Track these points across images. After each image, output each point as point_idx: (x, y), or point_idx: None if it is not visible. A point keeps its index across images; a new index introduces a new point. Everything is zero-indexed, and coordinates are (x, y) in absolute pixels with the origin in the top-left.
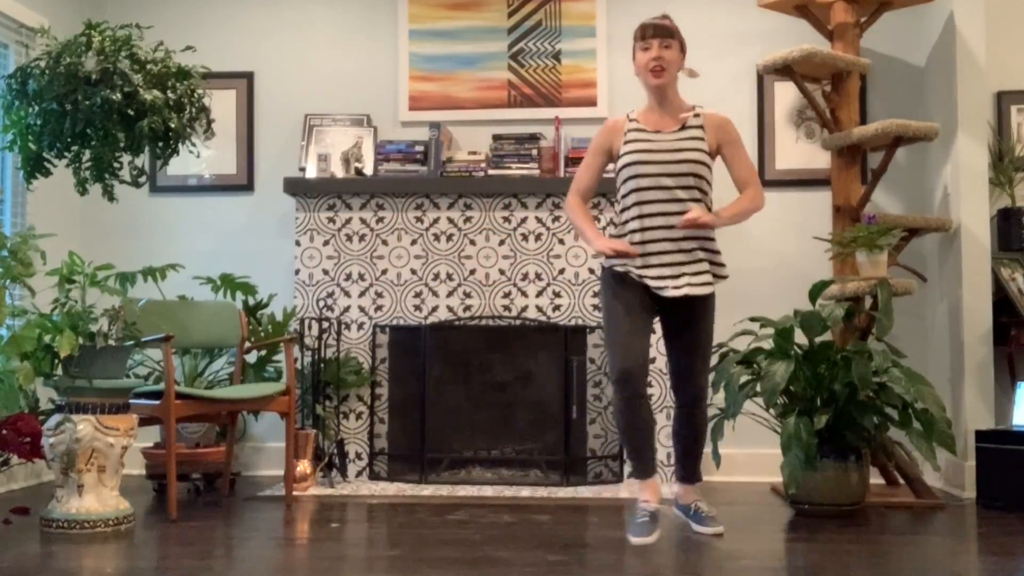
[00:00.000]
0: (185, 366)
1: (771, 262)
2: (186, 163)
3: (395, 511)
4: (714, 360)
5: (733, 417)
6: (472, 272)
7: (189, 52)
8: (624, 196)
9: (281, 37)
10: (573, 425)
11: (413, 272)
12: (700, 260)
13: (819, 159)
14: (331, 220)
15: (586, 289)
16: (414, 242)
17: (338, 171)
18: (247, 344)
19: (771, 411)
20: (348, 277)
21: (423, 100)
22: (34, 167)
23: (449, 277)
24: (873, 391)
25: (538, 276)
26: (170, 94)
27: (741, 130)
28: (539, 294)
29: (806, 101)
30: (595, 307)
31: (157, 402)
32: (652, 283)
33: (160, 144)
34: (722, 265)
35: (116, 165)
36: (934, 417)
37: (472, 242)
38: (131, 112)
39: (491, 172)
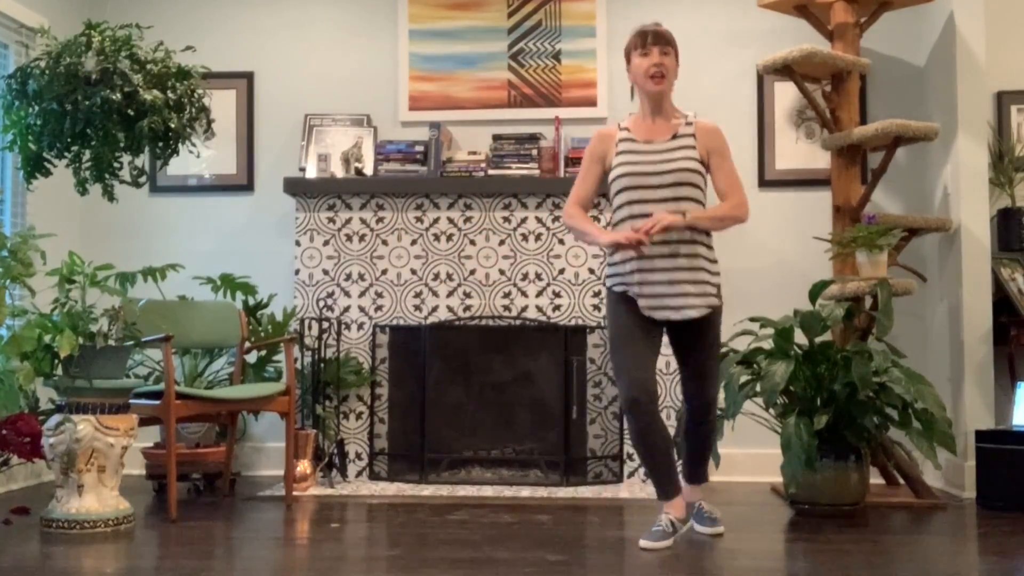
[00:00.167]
0: (185, 366)
1: (771, 262)
2: (186, 163)
3: (395, 511)
4: None
5: (733, 417)
6: (472, 272)
7: (189, 52)
8: (617, 208)
9: (281, 37)
10: (573, 425)
11: (413, 272)
12: (699, 281)
13: (819, 159)
14: (331, 220)
15: (586, 289)
16: (414, 242)
17: (338, 171)
18: (247, 344)
19: (771, 411)
20: (348, 277)
21: (423, 100)
22: (34, 167)
23: (449, 277)
24: (873, 391)
25: (538, 276)
26: (170, 94)
27: (741, 130)
28: (539, 294)
29: (806, 101)
30: (595, 307)
31: (157, 402)
32: (649, 312)
33: (160, 144)
34: (717, 287)
35: (116, 165)
36: (934, 417)
37: (472, 242)
38: (131, 112)
39: (491, 172)
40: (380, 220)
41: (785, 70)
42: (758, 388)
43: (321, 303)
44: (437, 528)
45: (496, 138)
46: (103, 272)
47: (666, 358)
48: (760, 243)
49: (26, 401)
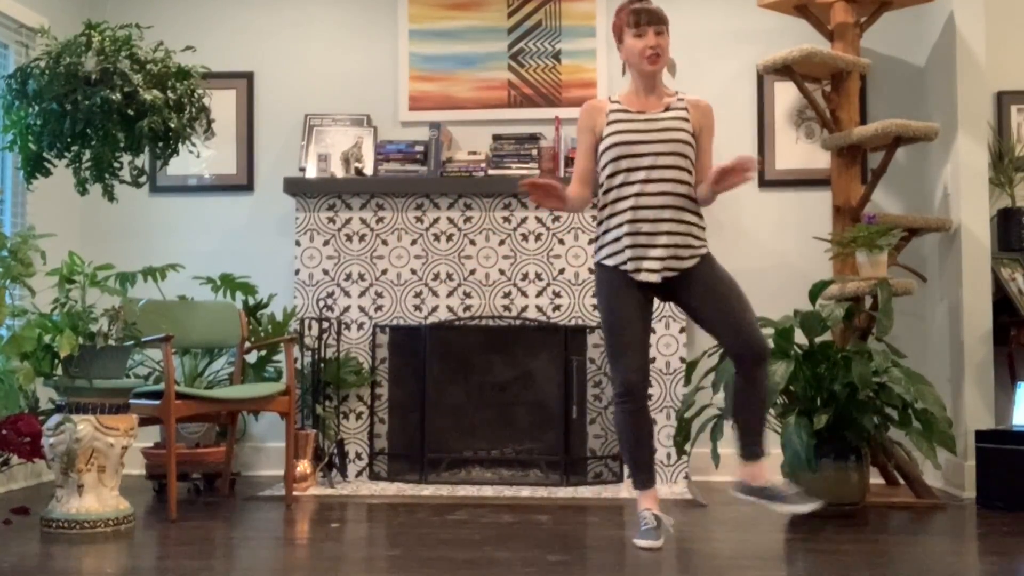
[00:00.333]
0: (185, 366)
1: (771, 262)
2: (186, 163)
3: (395, 511)
4: (714, 360)
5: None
6: (472, 272)
7: (189, 52)
8: (609, 176)
9: (281, 37)
10: (573, 425)
11: (413, 272)
12: (688, 234)
13: (819, 159)
14: (331, 220)
15: (586, 289)
16: (414, 242)
17: (338, 171)
18: (247, 344)
19: (771, 411)
20: (348, 277)
21: (423, 100)
22: (34, 167)
23: (449, 277)
24: (873, 391)
25: (538, 276)
26: (170, 94)
27: (741, 130)
28: (539, 294)
29: (806, 101)
30: (595, 307)
31: (157, 402)
32: (643, 275)
33: (160, 144)
34: (703, 230)
35: (116, 165)
36: (934, 417)
37: (472, 242)
38: (131, 112)
39: (491, 172)
40: (380, 220)
41: (785, 70)
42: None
43: (321, 303)
44: (437, 528)
45: (496, 138)
46: (103, 272)
47: (666, 358)
48: (760, 243)
49: (26, 401)
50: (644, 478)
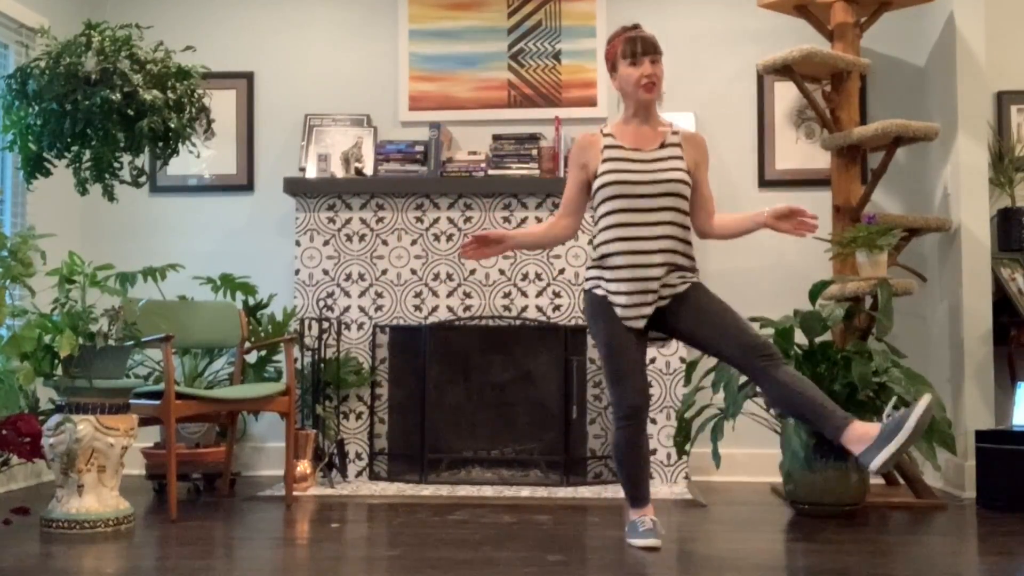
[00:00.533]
0: (185, 366)
1: (771, 262)
2: (186, 163)
3: (395, 511)
4: (714, 360)
5: (733, 417)
6: (472, 272)
7: (189, 52)
8: (603, 216)
9: (281, 37)
10: (573, 425)
11: (413, 272)
12: (679, 269)
13: (819, 159)
14: (331, 220)
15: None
16: (414, 242)
17: (338, 171)
18: (247, 344)
19: (771, 411)
20: (348, 277)
21: (423, 100)
22: (34, 167)
23: (449, 277)
24: (873, 391)
25: (538, 276)
26: (170, 94)
27: (741, 130)
28: (539, 294)
29: (806, 101)
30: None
31: (157, 402)
32: (630, 322)
33: (160, 144)
34: (694, 270)
35: (116, 165)
36: (934, 418)
37: None
38: (131, 112)
39: (491, 172)
40: (380, 220)
41: (785, 70)
42: (758, 388)
43: (321, 303)
44: (437, 528)
45: (496, 138)
46: (103, 272)
47: (666, 358)
48: (760, 243)
49: (26, 401)
50: (642, 496)
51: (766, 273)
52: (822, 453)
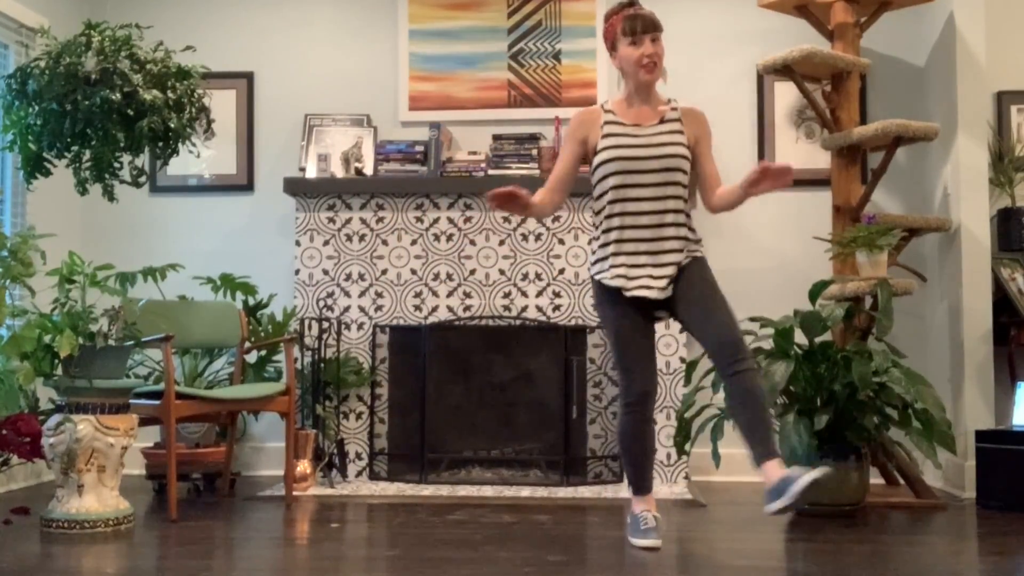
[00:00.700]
0: (185, 366)
1: (771, 262)
2: (186, 163)
3: (395, 511)
4: None
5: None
6: (472, 272)
7: (189, 52)
8: (602, 194)
9: (281, 37)
10: (573, 425)
11: (413, 272)
12: (678, 250)
13: (819, 159)
14: (331, 220)
15: (586, 289)
16: (414, 242)
17: (338, 171)
18: (247, 344)
19: (771, 411)
20: (348, 277)
21: (423, 100)
22: (34, 167)
23: (449, 277)
24: (873, 391)
25: (538, 276)
26: (170, 94)
27: (741, 130)
28: (539, 294)
29: (806, 101)
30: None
31: (157, 402)
32: (637, 292)
33: (160, 144)
34: (699, 243)
35: (116, 165)
36: (934, 417)
37: (472, 242)
38: (131, 112)
39: (491, 172)
40: (380, 220)
41: (785, 70)
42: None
43: (321, 303)
44: (437, 528)
45: (496, 138)
46: (103, 272)
47: (666, 358)
48: (760, 243)
49: (26, 401)
50: (644, 484)
51: (766, 273)
52: (822, 452)
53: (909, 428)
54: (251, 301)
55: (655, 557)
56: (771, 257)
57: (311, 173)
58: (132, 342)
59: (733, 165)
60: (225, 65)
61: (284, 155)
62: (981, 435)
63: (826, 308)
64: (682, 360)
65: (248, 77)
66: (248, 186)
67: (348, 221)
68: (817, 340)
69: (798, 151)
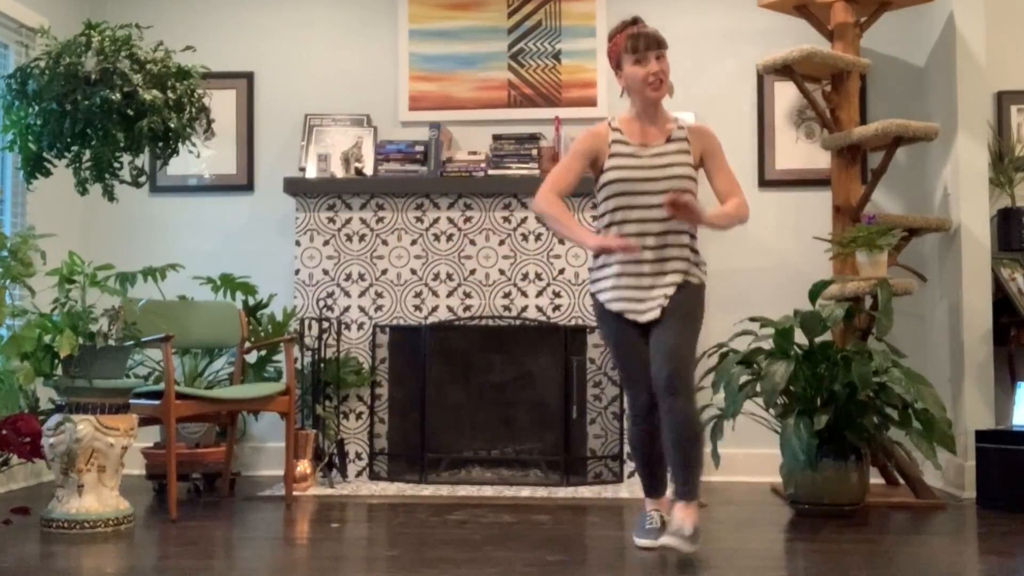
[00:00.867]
0: (185, 366)
1: (771, 262)
2: (186, 163)
3: (395, 511)
4: (714, 360)
5: (733, 417)
6: (472, 272)
7: (189, 52)
8: (605, 213)
9: (281, 37)
10: (573, 425)
11: (413, 272)
12: (681, 271)
13: (819, 159)
14: (331, 220)
15: (586, 289)
16: (414, 242)
17: (338, 171)
18: (247, 344)
19: (771, 411)
20: (348, 277)
21: (423, 100)
22: (34, 167)
23: (449, 277)
24: (873, 391)
25: (538, 276)
26: (170, 94)
27: (741, 130)
28: (539, 294)
29: (806, 101)
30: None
31: (157, 402)
32: (632, 315)
33: (160, 144)
34: (700, 265)
35: (116, 165)
36: (934, 417)
37: (472, 242)
38: (131, 112)
39: (491, 172)
40: (380, 220)
41: (785, 70)
42: (758, 388)
43: (321, 303)
44: (437, 528)
45: (496, 138)
46: (103, 272)
47: None
48: (760, 243)
49: (26, 401)
50: (655, 487)
51: (766, 273)
52: (822, 452)
53: (909, 428)
54: (251, 301)
55: (655, 557)
56: (771, 257)
57: (311, 173)
58: (132, 342)
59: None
60: (225, 65)
61: (284, 155)
62: (981, 435)
63: (826, 308)
64: None
65: (248, 77)
66: (248, 186)
67: (348, 221)
68: (817, 340)
69: (798, 151)
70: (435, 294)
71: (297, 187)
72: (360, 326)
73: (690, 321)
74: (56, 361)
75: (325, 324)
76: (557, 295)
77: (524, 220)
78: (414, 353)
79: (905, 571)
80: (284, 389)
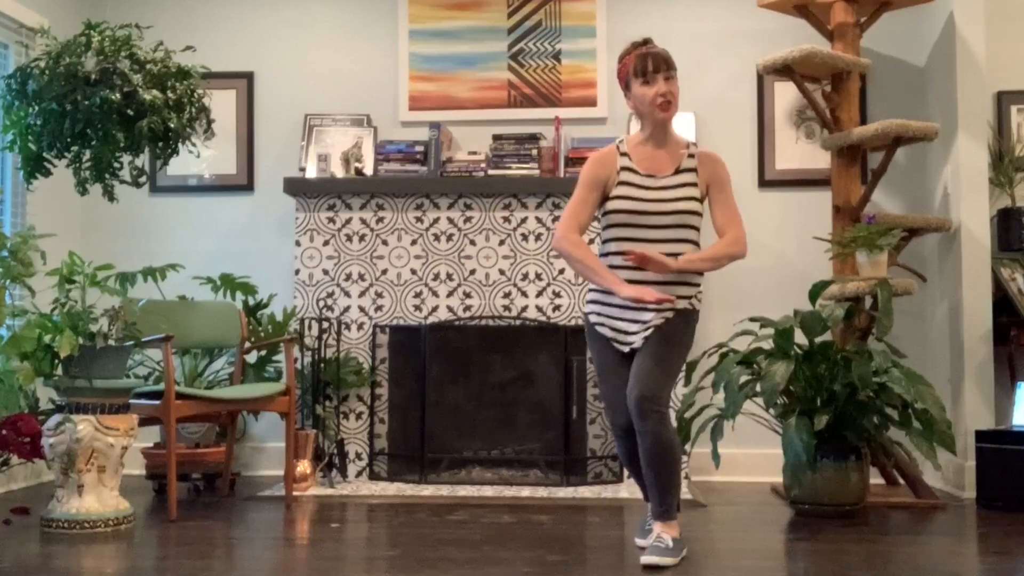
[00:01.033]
0: (185, 366)
1: (771, 262)
2: (186, 163)
3: (395, 511)
4: (714, 360)
5: (733, 417)
6: (472, 272)
7: (189, 52)
8: (608, 240)
9: (281, 37)
10: (573, 425)
11: (413, 272)
12: (684, 296)
13: (819, 159)
14: (331, 220)
15: (586, 289)
16: (414, 242)
17: (338, 171)
18: (247, 344)
19: (771, 411)
20: (348, 277)
21: (423, 100)
22: (34, 167)
23: (449, 277)
24: (873, 391)
25: (538, 276)
26: (170, 94)
27: (741, 130)
28: (539, 294)
29: (806, 101)
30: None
31: (157, 402)
32: (618, 345)
33: (160, 144)
34: (698, 295)
35: (116, 165)
36: (934, 417)
37: (472, 242)
38: (131, 112)
39: (491, 172)
40: (380, 220)
41: (785, 70)
42: (758, 388)
43: (321, 303)
44: (437, 528)
45: (496, 138)
46: (103, 272)
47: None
48: (760, 243)
49: (26, 401)
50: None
51: (766, 273)
52: (822, 452)
53: (909, 428)
54: (251, 301)
55: None
56: (771, 257)
57: (311, 173)
58: (132, 342)
59: (733, 165)
60: (225, 65)
61: (284, 155)
62: (981, 435)
63: (826, 308)
64: None
65: (248, 77)
66: (248, 186)
67: (348, 221)
68: (817, 340)
69: (798, 151)
70: (435, 294)
71: (297, 187)
72: (360, 326)
73: (672, 345)
74: (56, 361)
75: (325, 324)
76: (557, 295)
77: (524, 220)
78: (414, 353)
79: (905, 571)
80: (284, 389)
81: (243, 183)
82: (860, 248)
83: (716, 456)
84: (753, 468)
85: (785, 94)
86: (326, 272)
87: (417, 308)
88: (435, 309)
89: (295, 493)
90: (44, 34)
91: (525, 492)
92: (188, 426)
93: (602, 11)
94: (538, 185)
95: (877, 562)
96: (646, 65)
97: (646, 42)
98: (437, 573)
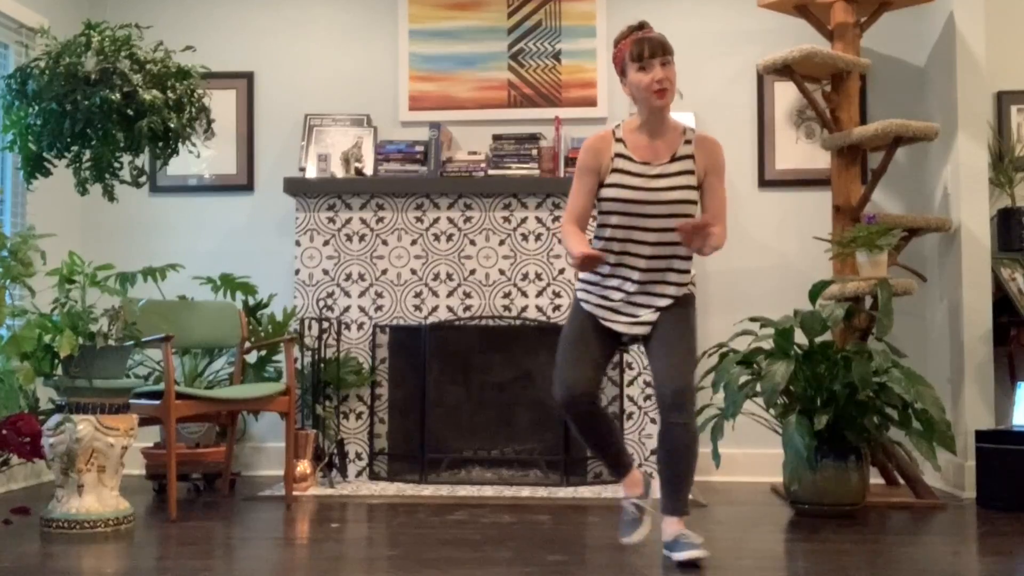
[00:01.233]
0: (185, 366)
1: (771, 262)
2: (186, 163)
3: (395, 511)
4: (713, 360)
5: (733, 417)
6: (472, 272)
7: (189, 52)
8: (602, 227)
9: (281, 37)
10: None
11: (413, 272)
12: (678, 283)
13: (819, 159)
14: (331, 220)
15: None
16: (414, 242)
17: (338, 171)
18: (247, 344)
19: (771, 411)
20: (348, 277)
21: (423, 100)
22: (34, 167)
23: (449, 277)
24: (873, 391)
25: (538, 276)
26: (170, 94)
27: (741, 130)
28: (539, 294)
29: (806, 101)
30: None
31: (157, 402)
32: (619, 328)
33: (160, 144)
34: (687, 284)
35: (116, 165)
36: (934, 418)
37: (472, 242)
38: (131, 112)
39: (491, 172)
40: (380, 220)
41: (785, 70)
42: (758, 388)
43: (321, 303)
44: (437, 528)
45: (496, 138)
46: (103, 272)
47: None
48: (760, 243)
49: (26, 401)
50: (617, 469)
51: (766, 273)
52: (822, 452)
53: (909, 428)
54: (251, 301)
55: (654, 557)
56: (771, 257)
57: (311, 173)
58: (132, 342)
59: (733, 165)
60: (225, 65)
61: (284, 155)
62: (981, 435)
63: (826, 308)
64: None
65: (248, 77)
66: (248, 186)
67: (348, 221)
68: (817, 340)
69: (798, 151)
70: (435, 294)
71: (297, 187)
72: (360, 326)
73: (688, 336)
74: (56, 361)
75: (325, 324)
76: (557, 295)
77: (524, 220)
78: (414, 353)
79: (905, 571)
80: (284, 389)
81: (243, 183)
82: (860, 248)
83: (716, 456)
84: (753, 468)
85: (785, 94)
86: (326, 272)
87: (417, 308)
88: (435, 309)
89: (295, 493)
90: (44, 34)
91: (525, 492)
92: (188, 426)
93: (602, 11)
94: (538, 185)
95: (877, 562)
96: (642, 50)
97: (642, 26)
98: (437, 573)
